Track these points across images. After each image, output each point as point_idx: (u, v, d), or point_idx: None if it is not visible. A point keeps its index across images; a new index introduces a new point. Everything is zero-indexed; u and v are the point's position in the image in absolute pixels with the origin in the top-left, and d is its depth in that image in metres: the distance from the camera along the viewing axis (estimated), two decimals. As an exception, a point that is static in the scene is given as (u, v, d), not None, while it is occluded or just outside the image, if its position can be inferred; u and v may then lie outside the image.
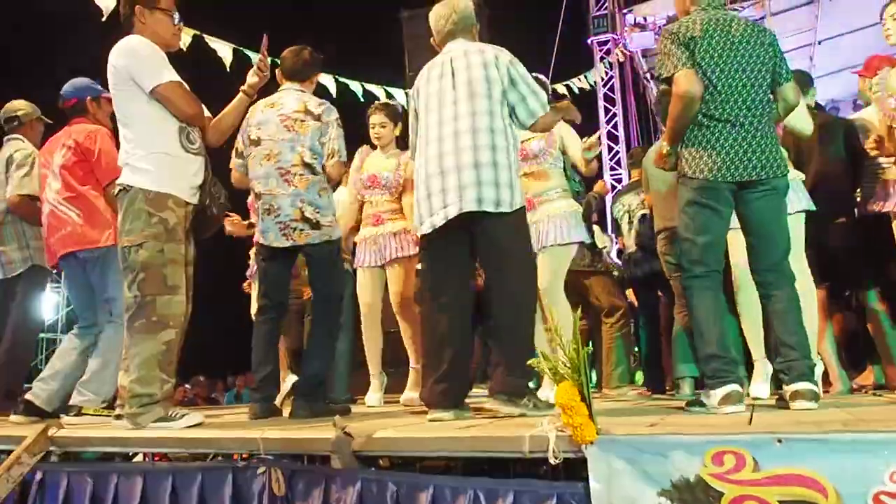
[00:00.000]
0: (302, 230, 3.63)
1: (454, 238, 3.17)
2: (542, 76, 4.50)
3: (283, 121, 3.68)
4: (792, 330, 2.92)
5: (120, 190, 3.19)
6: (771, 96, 3.07)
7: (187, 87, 3.26)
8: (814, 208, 3.64)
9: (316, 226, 3.63)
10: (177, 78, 3.22)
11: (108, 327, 3.90)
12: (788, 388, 2.86)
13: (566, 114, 3.63)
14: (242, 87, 3.54)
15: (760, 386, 3.59)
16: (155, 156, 3.16)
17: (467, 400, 3.20)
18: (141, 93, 3.17)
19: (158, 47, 3.24)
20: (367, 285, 4.57)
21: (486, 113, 3.13)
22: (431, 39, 3.44)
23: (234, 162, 3.90)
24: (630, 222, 5.37)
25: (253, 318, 4.14)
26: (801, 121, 3.57)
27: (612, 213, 5.67)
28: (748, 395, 3.48)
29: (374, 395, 4.54)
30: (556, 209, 4.04)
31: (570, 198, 4.16)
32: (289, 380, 4.98)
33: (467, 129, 3.12)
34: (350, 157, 4.64)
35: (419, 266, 5.26)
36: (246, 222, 4.92)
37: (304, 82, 3.85)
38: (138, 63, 3.17)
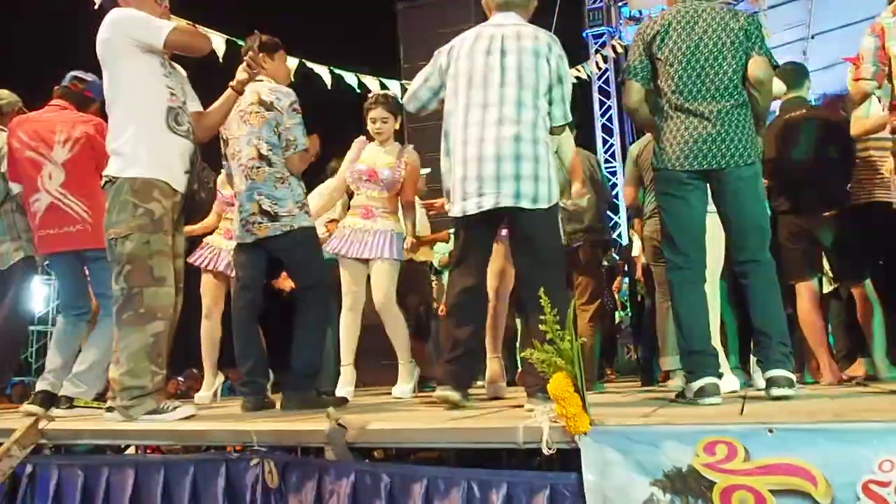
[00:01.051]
0: (261, 223, 3.61)
1: (489, 226, 3.16)
2: None
3: (242, 116, 3.65)
4: (768, 318, 2.94)
5: (106, 181, 3.17)
6: (744, 80, 3.05)
7: (186, 27, 3.28)
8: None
9: (274, 218, 3.60)
10: (174, 24, 3.22)
11: (108, 320, 3.87)
12: (765, 376, 2.90)
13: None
14: (231, 84, 3.52)
15: (727, 379, 3.57)
16: (141, 136, 3.13)
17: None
18: (131, 66, 3.15)
19: None
20: (351, 276, 4.47)
21: (532, 107, 3.09)
22: (484, 2, 3.32)
23: (224, 165, 3.89)
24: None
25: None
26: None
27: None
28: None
29: (344, 388, 4.40)
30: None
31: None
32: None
33: (512, 118, 3.05)
34: (346, 147, 4.62)
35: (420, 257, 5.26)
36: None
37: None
38: (137, 26, 3.15)
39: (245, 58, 3.52)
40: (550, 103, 3.16)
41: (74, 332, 4.04)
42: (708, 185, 3.04)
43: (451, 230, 4.46)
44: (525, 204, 3.02)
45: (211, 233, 4.99)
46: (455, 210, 3.15)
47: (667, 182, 3.05)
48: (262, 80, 3.71)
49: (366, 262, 4.47)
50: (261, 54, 3.66)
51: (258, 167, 3.61)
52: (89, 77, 4.11)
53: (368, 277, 4.51)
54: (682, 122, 3.01)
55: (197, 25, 7.15)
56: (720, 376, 3.00)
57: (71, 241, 3.92)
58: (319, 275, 3.74)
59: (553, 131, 3.25)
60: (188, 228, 4.30)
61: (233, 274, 4.78)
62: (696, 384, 2.87)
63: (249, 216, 3.62)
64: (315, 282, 3.69)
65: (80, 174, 3.92)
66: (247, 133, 3.63)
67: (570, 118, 3.24)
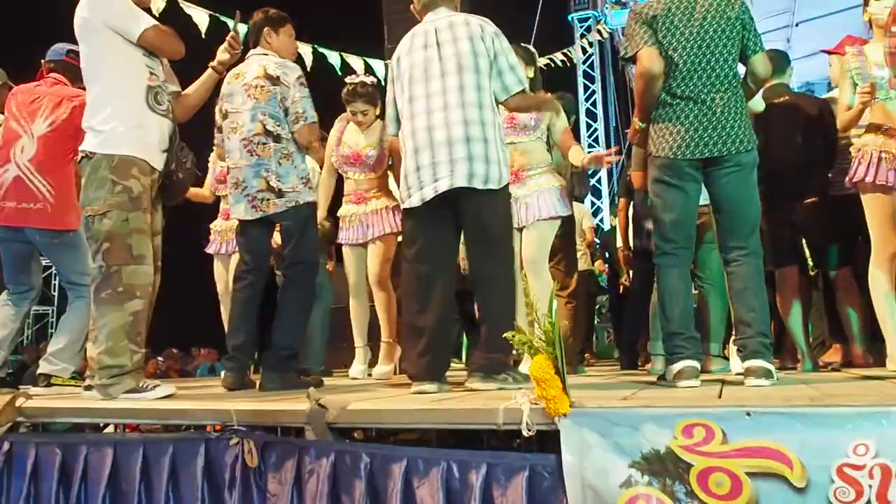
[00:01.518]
0: (269, 199, 3.58)
1: (441, 211, 3.14)
2: (531, 47, 4.48)
3: (247, 90, 3.61)
4: (749, 307, 2.96)
5: (83, 157, 3.13)
6: (740, 70, 3.07)
7: (166, 28, 3.24)
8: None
9: (280, 194, 3.58)
10: (153, 21, 3.20)
11: (82, 299, 3.83)
12: (743, 365, 2.92)
13: (544, 106, 3.67)
14: (212, 64, 3.49)
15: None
16: (120, 115, 3.11)
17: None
18: (111, 45, 3.12)
19: None
20: (353, 263, 4.57)
21: (474, 87, 3.10)
22: (412, 7, 3.36)
23: (217, 137, 3.86)
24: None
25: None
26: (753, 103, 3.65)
27: (623, 180, 5.53)
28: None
29: (358, 367, 4.56)
30: (544, 184, 4.03)
31: (554, 172, 4.16)
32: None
33: (457, 103, 3.07)
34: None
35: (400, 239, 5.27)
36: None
37: (265, 44, 3.74)
38: (115, 12, 3.12)
39: (227, 38, 3.49)
40: (492, 80, 3.16)
41: (11, 312, 3.94)
42: (703, 171, 3.04)
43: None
44: (477, 184, 3.03)
45: (215, 217, 5.03)
46: (413, 200, 3.13)
47: (664, 169, 3.04)
48: (267, 55, 3.69)
49: (363, 245, 4.50)
50: (265, 28, 3.70)
51: (264, 143, 3.58)
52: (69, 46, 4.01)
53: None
54: (681, 109, 3.01)
55: (180, 2, 7.07)
56: (701, 360, 3.02)
57: (28, 219, 3.83)
58: (310, 254, 3.73)
59: (509, 103, 3.25)
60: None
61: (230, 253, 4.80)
62: (676, 367, 2.91)
63: (256, 192, 3.59)
64: (304, 259, 3.67)
65: (52, 153, 3.86)
66: (251, 107, 3.60)
67: (514, 89, 3.18)
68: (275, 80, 3.59)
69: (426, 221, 3.16)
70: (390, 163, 4.62)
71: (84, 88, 3.93)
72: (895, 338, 3.43)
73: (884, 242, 3.48)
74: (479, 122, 3.07)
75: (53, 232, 3.82)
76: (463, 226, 3.19)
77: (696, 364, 2.93)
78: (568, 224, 4.89)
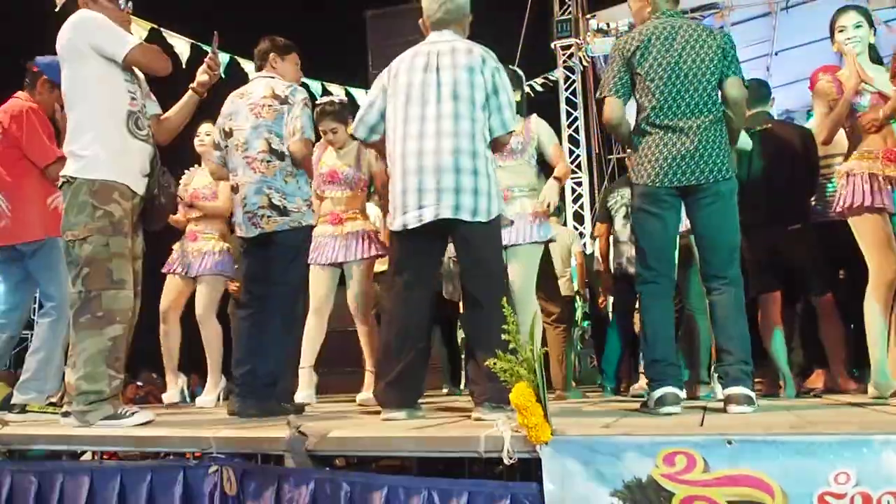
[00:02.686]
0: (269, 217, 3.56)
1: (426, 238, 3.13)
2: (518, 70, 4.51)
3: (252, 109, 3.63)
4: (728, 336, 2.98)
5: (64, 182, 3.12)
6: (720, 98, 3.10)
7: (151, 46, 3.26)
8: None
9: (284, 212, 3.56)
10: (138, 40, 3.21)
11: (44, 320, 3.78)
12: (724, 392, 2.93)
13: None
14: (192, 86, 3.50)
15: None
16: (101, 140, 3.09)
17: (431, 400, 3.18)
18: (94, 69, 3.11)
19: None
20: (323, 281, 4.48)
21: (469, 118, 3.08)
22: (421, 22, 3.33)
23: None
24: (627, 216, 5.25)
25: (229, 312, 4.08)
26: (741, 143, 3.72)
27: (602, 205, 5.53)
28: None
29: (302, 392, 4.36)
30: (527, 207, 4.04)
31: (536, 198, 4.18)
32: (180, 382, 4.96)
33: (450, 131, 3.06)
34: None
35: (379, 267, 5.26)
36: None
37: (269, 68, 3.77)
38: (100, 33, 3.12)
39: (206, 60, 3.50)
40: (490, 115, 3.15)
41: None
42: (683, 200, 3.06)
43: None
44: (464, 216, 3.01)
45: (179, 237, 4.99)
46: (396, 224, 3.12)
47: (644, 198, 3.07)
48: (274, 77, 3.73)
49: (337, 266, 4.47)
50: (272, 54, 3.76)
51: (269, 161, 3.58)
52: (46, 59, 3.90)
53: (341, 281, 4.52)
54: (660, 138, 3.04)
55: (161, 29, 7.10)
56: (682, 387, 3.04)
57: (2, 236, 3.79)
58: (297, 278, 3.72)
59: (497, 143, 3.24)
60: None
61: (194, 274, 4.78)
62: (657, 393, 2.92)
63: (257, 209, 3.57)
64: (290, 282, 3.65)
65: (3, 166, 3.82)
66: (256, 125, 3.61)
67: (510, 126, 3.19)
68: (283, 100, 3.62)
69: (411, 247, 3.16)
70: (371, 189, 4.63)
71: (38, 88, 3.93)
72: (879, 367, 3.43)
73: (881, 266, 3.43)
74: (471, 153, 3.06)
75: (26, 245, 3.78)
76: (457, 254, 3.18)
77: (678, 391, 2.93)
78: (547, 257, 4.91)
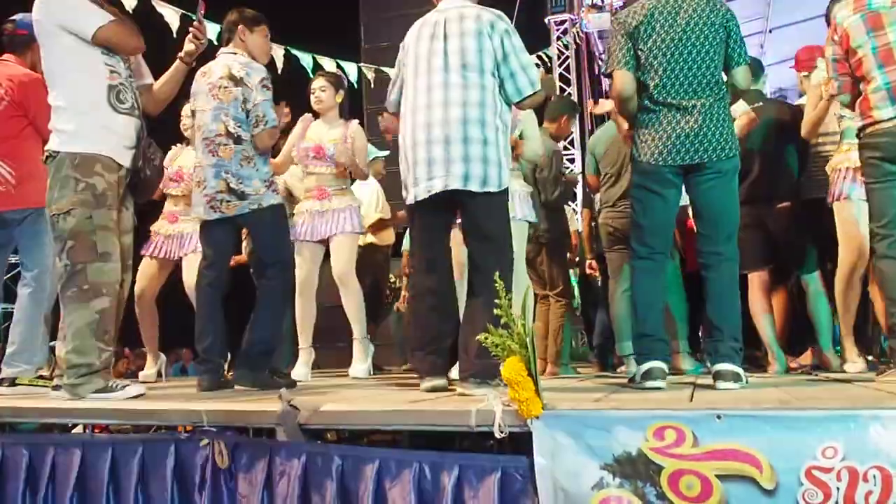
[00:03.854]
0: (229, 202, 3.55)
1: (439, 208, 3.12)
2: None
3: (211, 90, 3.59)
4: (721, 313, 2.99)
5: (47, 157, 3.09)
6: (723, 76, 3.09)
7: (124, 22, 3.16)
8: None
9: (242, 196, 3.55)
10: (109, 17, 3.11)
11: (24, 291, 3.77)
12: (713, 369, 2.95)
13: (548, 90, 3.62)
14: (179, 55, 3.46)
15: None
16: (82, 116, 3.06)
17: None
18: (66, 47, 3.06)
19: None
20: (307, 259, 4.47)
21: (478, 86, 3.04)
22: None
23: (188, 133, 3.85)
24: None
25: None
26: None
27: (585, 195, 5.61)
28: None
29: (301, 369, 4.43)
30: (514, 187, 4.02)
31: (521, 178, 4.17)
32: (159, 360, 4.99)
33: (458, 100, 3.02)
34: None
35: (369, 239, 5.24)
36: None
37: (238, 43, 3.69)
38: (68, 13, 3.06)
39: (191, 28, 3.46)
40: (503, 81, 3.11)
41: None
42: (684, 177, 3.06)
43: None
44: (473, 187, 3.00)
45: (156, 218, 4.92)
46: (409, 197, 3.13)
47: (645, 175, 3.06)
48: (235, 54, 3.65)
49: (323, 242, 4.45)
50: (240, 27, 3.67)
51: (225, 144, 3.55)
52: (17, 16, 3.90)
53: (325, 257, 4.50)
54: (663, 116, 3.02)
55: (153, 1, 7.01)
56: (669, 361, 3.06)
57: None
58: (284, 254, 3.71)
59: (521, 106, 3.23)
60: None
61: (175, 258, 4.73)
62: (644, 366, 2.94)
63: (216, 193, 3.55)
64: (278, 261, 3.66)
65: (3, 134, 3.78)
66: (214, 108, 3.56)
67: (527, 91, 3.13)
68: (238, 81, 3.55)
69: (428, 221, 3.16)
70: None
71: (32, 51, 3.79)
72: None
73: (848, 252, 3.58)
74: (480, 121, 3.02)
75: (16, 212, 3.75)
76: (463, 228, 3.18)
77: (664, 365, 2.96)
78: (556, 226, 4.92)
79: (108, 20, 3.10)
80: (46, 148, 3.11)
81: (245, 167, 3.56)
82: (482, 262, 3.04)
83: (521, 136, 4.07)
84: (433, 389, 3.00)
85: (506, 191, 3.12)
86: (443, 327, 3.11)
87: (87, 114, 3.07)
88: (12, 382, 3.63)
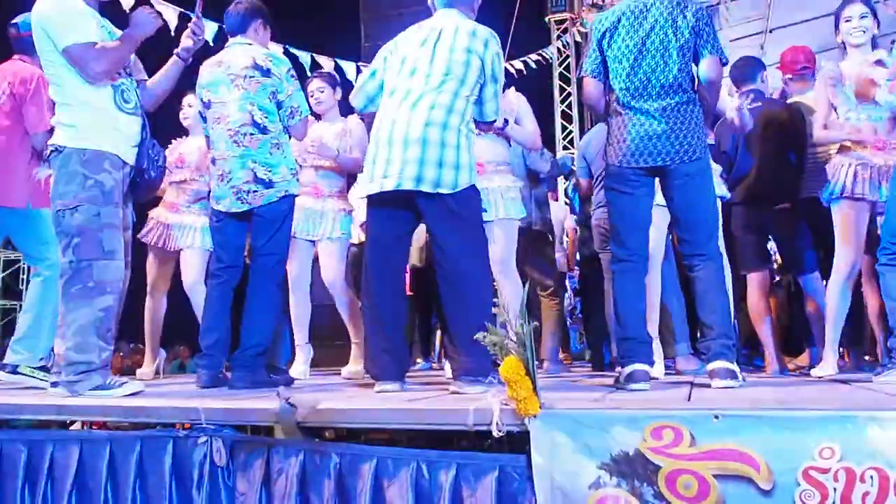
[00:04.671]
0: (256, 191, 3.53)
1: (396, 207, 3.12)
2: None
3: (233, 80, 3.57)
4: (710, 311, 3.00)
5: (52, 151, 3.09)
6: (693, 76, 3.09)
7: (98, 46, 3.06)
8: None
9: (269, 185, 3.54)
10: (85, 39, 3.03)
11: (36, 280, 3.78)
12: (707, 368, 2.96)
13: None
14: (176, 51, 3.45)
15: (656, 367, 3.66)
16: (91, 113, 3.06)
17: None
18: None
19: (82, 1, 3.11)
20: (301, 256, 4.43)
21: (452, 93, 3.07)
22: (429, 1, 3.32)
23: (197, 121, 3.85)
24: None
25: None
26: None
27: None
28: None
29: (298, 367, 4.42)
30: (507, 182, 4.02)
31: (510, 171, 4.16)
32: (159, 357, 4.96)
33: (428, 104, 3.04)
34: None
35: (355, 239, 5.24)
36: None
37: (245, 34, 3.69)
38: (51, 19, 3.04)
39: (190, 25, 3.45)
40: (480, 101, 3.17)
41: None
42: (656, 179, 3.10)
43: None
44: (425, 188, 2.99)
45: (155, 204, 4.85)
46: (363, 191, 3.15)
47: (615, 178, 3.10)
48: (252, 45, 3.65)
49: (313, 241, 4.45)
50: (261, 21, 3.69)
51: (251, 133, 3.54)
52: (19, 19, 3.89)
53: (316, 258, 4.50)
54: (629, 119, 3.05)
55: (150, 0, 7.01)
56: (651, 364, 3.06)
57: None
58: (282, 248, 3.69)
59: (480, 128, 3.30)
60: None
61: (174, 249, 4.68)
62: (627, 369, 2.94)
63: (243, 184, 3.54)
64: (275, 253, 3.64)
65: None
66: (239, 98, 3.55)
67: (490, 118, 3.26)
68: (265, 72, 3.55)
69: (381, 215, 3.16)
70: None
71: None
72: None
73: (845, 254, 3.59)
74: (442, 125, 3.03)
75: (6, 209, 3.75)
76: (432, 229, 3.15)
77: (647, 368, 2.96)
78: (544, 230, 4.92)
79: (78, 41, 3.01)
80: (51, 142, 3.10)
81: (274, 154, 3.57)
82: (443, 262, 3.06)
83: (516, 122, 4.09)
84: (383, 392, 3.00)
85: (466, 191, 3.07)
86: (389, 328, 3.11)
87: (96, 112, 3.07)
88: (14, 369, 3.64)
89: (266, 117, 3.55)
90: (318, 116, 4.59)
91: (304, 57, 8.44)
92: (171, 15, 6.97)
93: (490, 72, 3.13)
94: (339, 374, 4.53)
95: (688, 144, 2.99)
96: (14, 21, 3.92)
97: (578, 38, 13.77)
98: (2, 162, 3.76)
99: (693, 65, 3.08)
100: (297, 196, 3.70)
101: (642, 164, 3.01)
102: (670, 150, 2.98)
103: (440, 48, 3.11)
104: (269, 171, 3.54)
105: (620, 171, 3.06)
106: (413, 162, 3.00)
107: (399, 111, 3.08)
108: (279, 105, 3.58)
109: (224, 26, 3.80)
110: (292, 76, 3.61)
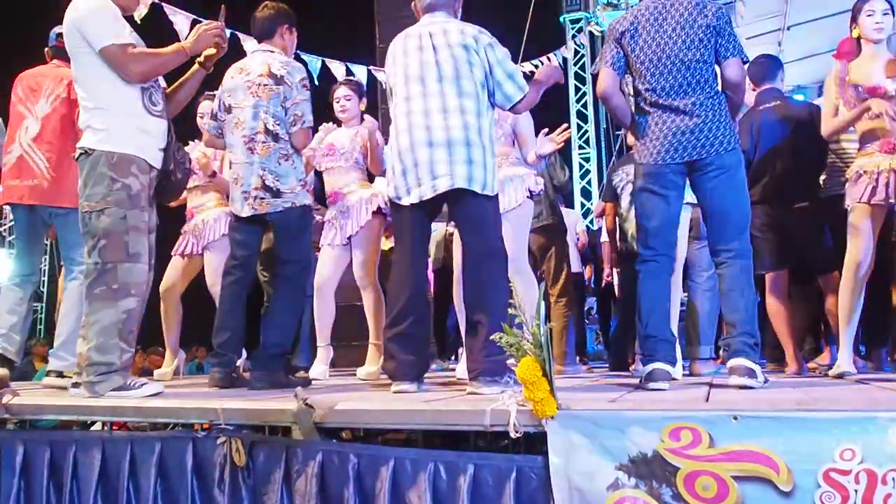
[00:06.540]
0: (263, 199, 3.57)
1: (426, 211, 3.15)
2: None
3: (249, 87, 3.60)
4: (734, 308, 2.99)
5: (81, 153, 3.12)
6: (716, 74, 3.08)
7: (137, 48, 3.12)
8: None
9: (277, 194, 3.57)
10: (124, 39, 3.09)
11: (73, 283, 3.81)
12: (728, 365, 2.94)
13: (547, 81, 3.59)
14: (198, 59, 3.45)
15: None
16: (119, 117, 3.09)
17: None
18: (99, 54, 3.08)
19: (113, 4, 3.14)
20: (328, 262, 4.45)
21: (473, 96, 3.09)
22: (413, 4, 3.32)
23: (208, 123, 3.85)
24: (632, 193, 5.21)
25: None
26: None
27: (608, 184, 5.52)
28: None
29: (318, 367, 4.42)
30: (510, 172, 3.98)
31: (520, 164, 4.13)
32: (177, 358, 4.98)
33: (456, 107, 3.07)
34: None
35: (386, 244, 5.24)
36: None
37: (272, 40, 3.72)
38: (87, 20, 3.07)
39: (212, 31, 3.46)
40: (493, 91, 3.17)
41: (18, 296, 3.89)
42: (688, 176, 3.07)
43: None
44: (476, 188, 3.03)
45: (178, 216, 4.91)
46: (411, 197, 3.12)
47: (648, 177, 3.08)
48: (273, 52, 3.68)
49: (344, 245, 4.43)
50: (287, 25, 3.71)
51: (264, 142, 3.57)
52: (60, 28, 3.87)
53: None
54: (659, 117, 3.05)
55: (164, 4, 7.06)
56: (674, 363, 3.05)
57: (25, 195, 3.82)
58: (303, 254, 3.72)
59: (515, 111, 3.30)
60: None
61: (199, 252, 4.73)
62: (647, 368, 2.94)
63: (252, 190, 3.58)
64: (298, 260, 3.67)
65: (53, 130, 3.85)
66: (253, 105, 3.58)
67: (516, 97, 3.18)
68: (279, 80, 3.57)
69: (414, 220, 3.17)
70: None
71: None
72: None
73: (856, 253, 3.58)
74: (478, 129, 3.08)
75: (54, 208, 3.81)
76: (459, 228, 3.19)
77: (667, 367, 2.95)
78: (555, 226, 4.90)
79: (116, 42, 3.06)
80: (80, 144, 3.14)
81: (283, 164, 3.59)
82: (479, 264, 3.07)
83: (514, 131, 4.08)
84: (401, 392, 3.00)
85: (495, 196, 3.14)
86: (413, 331, 3.12)
87: (124, 115, 3.10)
88: (60, 374, 3.69)
89: (278, 125, 3.58)
90: (338, 123, 4.59)
91: (315, 62, 8.45)
92: (184, 23, 7.01)
93: (488, 63, 3.13)
94: (355, 374, 4.54)
95: (721, 136, 2.99)
96: (58, 31, 3.94)
97: (594, 37, 13.73)
98: (56, 163, 3.83)
99: (716, 64, 3.08)
100: (308, 205, 3.71)
101: (678, 160, 3.00)
102: (705, 143, 2.97)
103: (440, 49, 3.13)
104: (278, 181, 3.57)
105: (657, 170, 3.04)
106: (463, 162, 3.03)
107: (430, 117, 3.09)
108: (285, 112, 3.59)
109: (252, 33, 3.82)
110: (304, 86, 3.62)
